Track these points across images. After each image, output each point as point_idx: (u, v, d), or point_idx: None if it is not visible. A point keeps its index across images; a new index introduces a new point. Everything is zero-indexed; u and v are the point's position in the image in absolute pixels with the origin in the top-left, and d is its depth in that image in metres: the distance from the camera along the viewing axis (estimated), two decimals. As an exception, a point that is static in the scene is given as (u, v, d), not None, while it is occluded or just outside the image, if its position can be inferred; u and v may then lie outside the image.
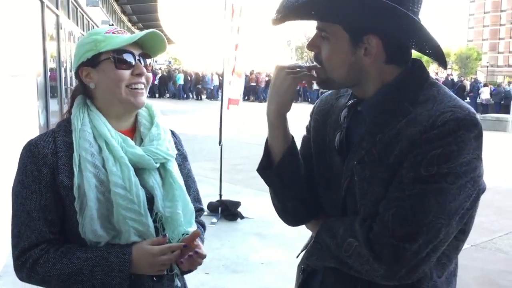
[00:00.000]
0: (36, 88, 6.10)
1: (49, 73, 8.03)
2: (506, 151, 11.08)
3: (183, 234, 1.52)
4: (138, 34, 1.48)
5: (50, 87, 8.11)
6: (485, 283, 4.42)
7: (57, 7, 9.46)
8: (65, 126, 1.51)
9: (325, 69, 1.30)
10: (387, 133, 1.25)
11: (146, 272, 1.45)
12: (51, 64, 8.82)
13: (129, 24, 34.34)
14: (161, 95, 29.10)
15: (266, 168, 1.40)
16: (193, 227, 1.57)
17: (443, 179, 1.16)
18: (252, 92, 29.17)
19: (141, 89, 1.50)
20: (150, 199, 1.49)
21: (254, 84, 28.76)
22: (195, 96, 29.88)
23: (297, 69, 1.33)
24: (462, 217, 1.22)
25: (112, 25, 21.08)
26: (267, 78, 28.84)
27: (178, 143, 1.71)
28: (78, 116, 1.49)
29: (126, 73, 1.47)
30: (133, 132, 1.58)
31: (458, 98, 1.27)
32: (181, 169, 1.65)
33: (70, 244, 1.45)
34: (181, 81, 29.04)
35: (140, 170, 1.50)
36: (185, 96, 29.19)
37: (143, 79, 1.50)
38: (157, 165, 1.52)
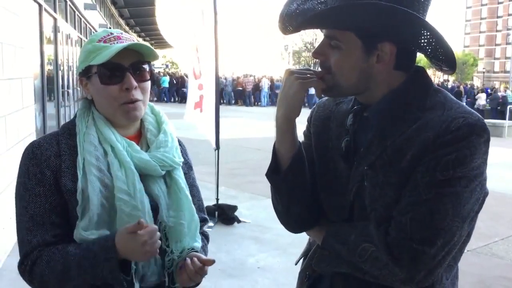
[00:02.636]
0: (33, 91, 6.09)
1: (46, 76, 8.02)
2: (502, 157, 11.10)
3: (187, 249, 1.48)
4: (121, 45, 1.40)
5: (47, 90, 8.11)
6: (480, 289, 4.43)
7: (55, 11, 9.46)
8: (69, 129, 1.47)
9: (334, 76, 1.30)
10: (398, 138, 1.26)
11: (136, 258, 1.36)
12: (49, 67, 8.82)
13: (127, 28, 34.33)
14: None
15: (275, 173, 1.40)
16: (197, 242, 1.53)
17: (457, 183, 1.18)
18: (240, 96, 28.99)
19: (133, 103, 1.43)
20: (154, 208, 1.45)
21: (241, 88, 28.59)
22: (179, 99, 28.57)
23: (307, 74, 1.32)
24: (472, 219, 1.25)
25: (111, 28, 21.09)
26: (255, 82, 28.74)
27: (183, 152, 1.66)
28: (83, 119, 1.46)
29: (114, 88, 1.41)
30: (138, 138, 1.54)
31: (465, 105, 1.29)
32: (186, 178, 1.60)
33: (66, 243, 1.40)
34: (166, 84, 28.41)
35: (145, 177, 1.45)
36: (170, 99, 28.48)
37: (135, 93, 1.43)
38: (163, 172, 1.48)
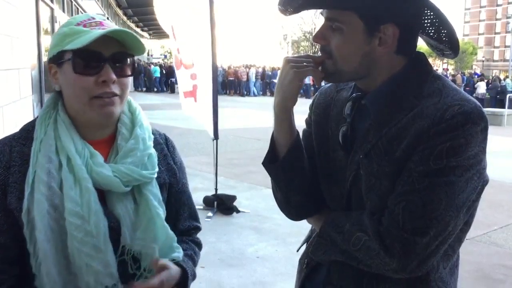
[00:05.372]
0: (30, 81, 6.06)
1: (44, 67, 7.99)
2: (501, 145, 11.11)
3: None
4: (103, 31, 1.20)
5: (45, 80, 8.07)
6: (479, 277, 4.45)
7: (51, 1, 9.39)
8: (27, 132, 1.29)
9: (335, 61, 1.27)
10: (393, 126, 1.24)
11: None
12: (46, 58, 8.78)
13: (125, 18, 34.13)
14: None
15: (272, 162, 1.39)
16: (176, 253, 1.36)
17: (451, 172, 1.16)
18: (231, 87, 28.84)
19: (108, 98, 1.23)
20: (118, 230, 1.26)
21: (232, 78, 28.41)
22: (169, 89, 28.48)
23: (304, 62, 1.30)
24: (469, 209, 1.23)
25: (108, 18, 20.96)
26: (249, 72, 28.55)
27: (169, 156, 1.45)
28: (43, 122, 1.27)
29: (88, 80, 1.21)
30: (111, 142, 1.33)
31: (463, 91, 1.27)
32: (171, 186, 1.43)
33: None
34: (158, 74, 28.73)
35: (108, 193, 1.26)
36: (163, 89, 28.55)
37: (112, 87, 1.23)
38: (128, 189, 1.26)
